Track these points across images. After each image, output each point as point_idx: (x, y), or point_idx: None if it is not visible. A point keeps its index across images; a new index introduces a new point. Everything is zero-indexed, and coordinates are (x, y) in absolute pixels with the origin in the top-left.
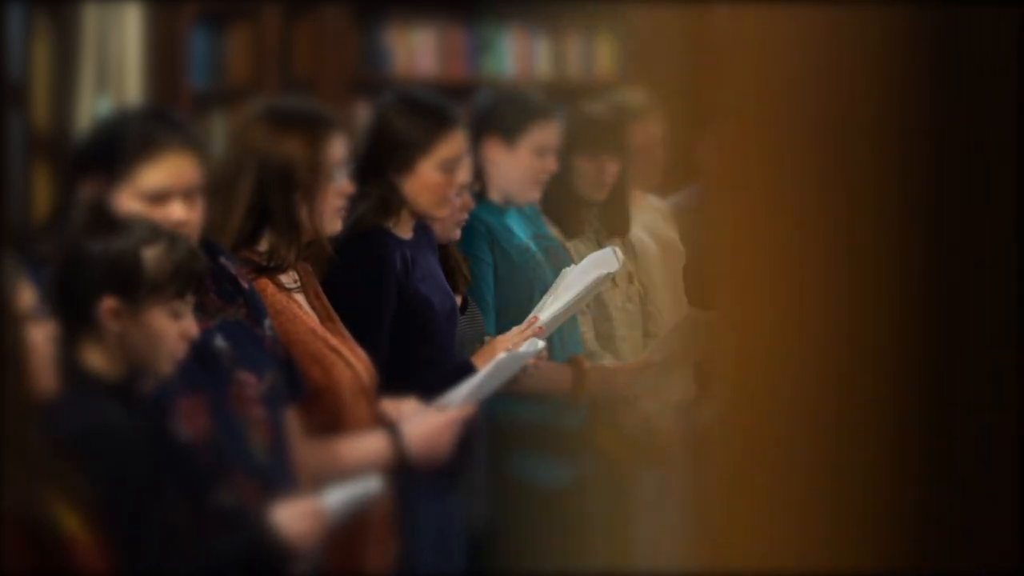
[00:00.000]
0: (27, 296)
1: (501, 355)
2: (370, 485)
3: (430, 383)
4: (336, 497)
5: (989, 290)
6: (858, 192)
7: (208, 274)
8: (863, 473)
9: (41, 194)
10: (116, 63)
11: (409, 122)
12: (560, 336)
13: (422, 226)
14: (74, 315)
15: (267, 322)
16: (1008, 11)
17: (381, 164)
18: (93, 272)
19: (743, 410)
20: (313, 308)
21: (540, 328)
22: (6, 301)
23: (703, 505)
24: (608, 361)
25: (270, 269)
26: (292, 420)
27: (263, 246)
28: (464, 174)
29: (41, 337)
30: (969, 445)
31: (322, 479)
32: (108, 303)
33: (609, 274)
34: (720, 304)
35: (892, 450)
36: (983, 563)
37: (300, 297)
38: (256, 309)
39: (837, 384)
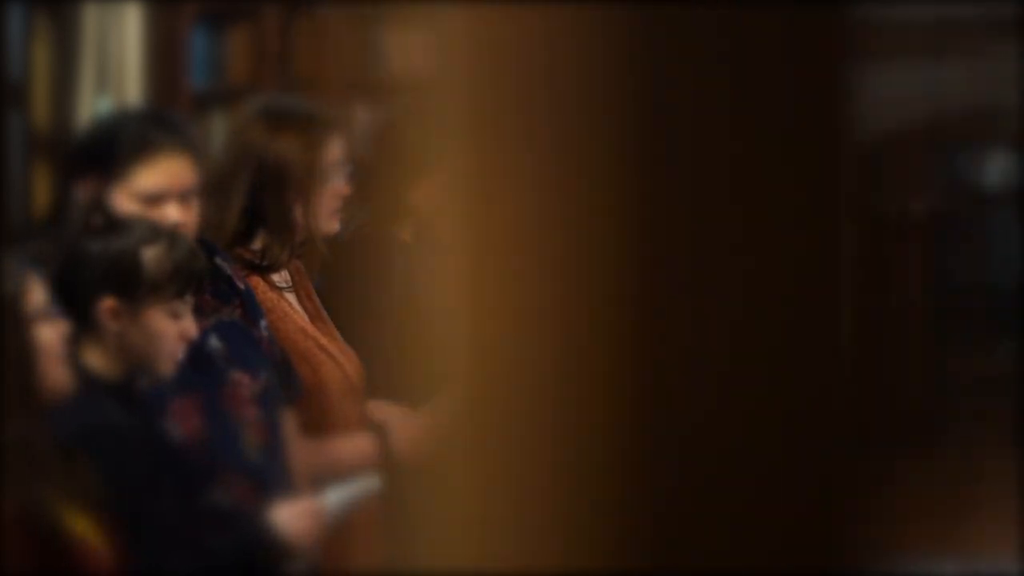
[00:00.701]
0: (38, 295)
1: None
2: (368, 484)
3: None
4: (334, 497)
5: (713, 289)
6: (584, 195)
7: (208, 274)
8: (592, 472)
9: (41, 194)
10: (116, 63)
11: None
12: None
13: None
14: (73, 315)
15: (263, 322)
16: (731, 13)
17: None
18: (92, 272)
19: (482, 411)
20: (304, 308)
21: None
22: (7, 301)
23: (442, 506)
24: None
25: (262, 268)
26: (288, 420)
27: (257, 244)
28: None
29: (52, 336)
30: (698, 444)
31: (313, 479)
32: (107, 303)
33: None
34: (456, 306)
35: (625, 448)
36: (711, 561)
37: (291, 296)
38: (252, 309)
39: (569, 384)
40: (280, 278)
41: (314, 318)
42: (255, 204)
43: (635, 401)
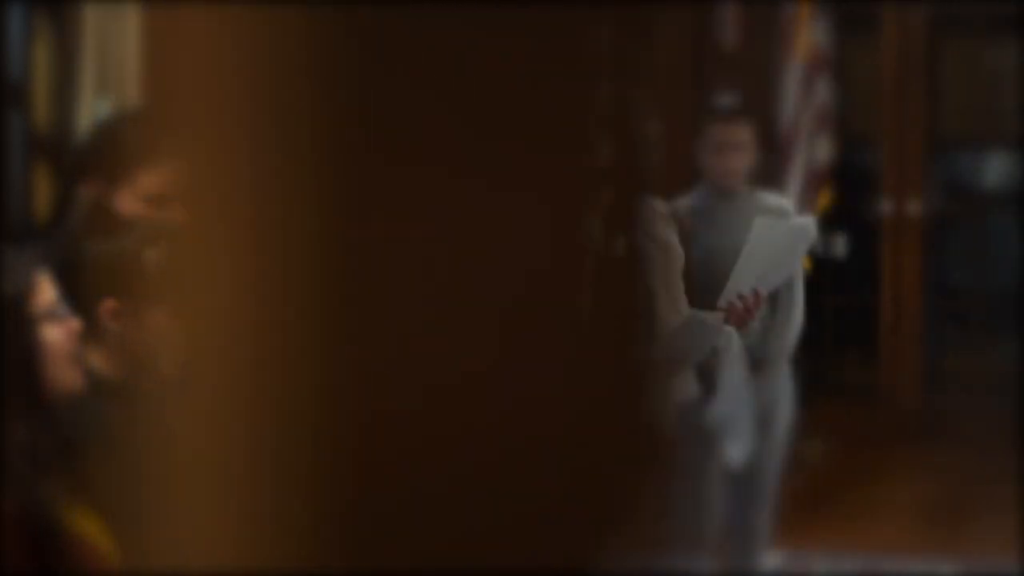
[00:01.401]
0: (47, 295)
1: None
2: None
3: None
4: None
5: (435, 289)
6: (296, 191)
7: None
8: (314, 474)
9: (41, 194)
10: (116, 64)
11: None
12: None
13: None
14: (75, 315)
15: None
16: (444, 11)
17: None
18: (94, 272)
19: (209, 411)
20: None
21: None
22: (10, 300)
23: (174, 506)
24: None
25: None
26: None
27: None
28: None
29: (60, 335)
30: (396, 439)
31: None
32: (109, 304)
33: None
34: (181, 304)
35: (348, 449)
36: (419, 561)
37: None
38: None
39: (289, 383)
40: None
41: None
42: None
43: (359, 399)
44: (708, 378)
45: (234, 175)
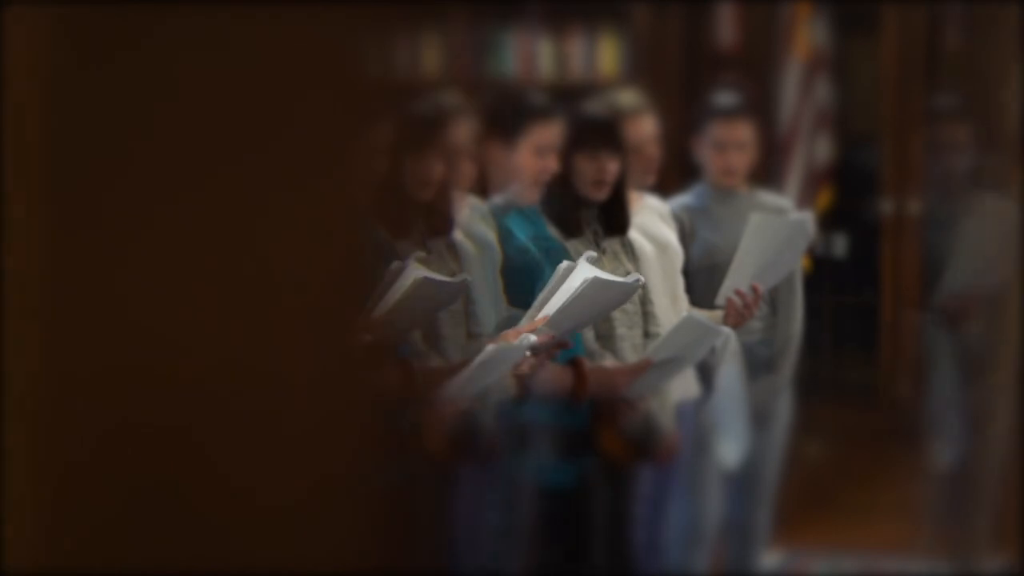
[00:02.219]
0: None
1: (489, 347)
2: None
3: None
4: None
5: (150, 288)
6: (17, 193)
7: None
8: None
9: None
10: None
11: None
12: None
13: None
14: None
15: None
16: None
17: None
18: None
19: None
20: None
21: (541, 319)
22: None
23: None
24: (608, 361)
25: None
26: None
27: None
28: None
29: None
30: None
31: None
32: None
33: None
34: None
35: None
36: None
37: None
38: None
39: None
40: None
41: None
42: None
43: (93, 404)
44: (706, 377)
45: None
